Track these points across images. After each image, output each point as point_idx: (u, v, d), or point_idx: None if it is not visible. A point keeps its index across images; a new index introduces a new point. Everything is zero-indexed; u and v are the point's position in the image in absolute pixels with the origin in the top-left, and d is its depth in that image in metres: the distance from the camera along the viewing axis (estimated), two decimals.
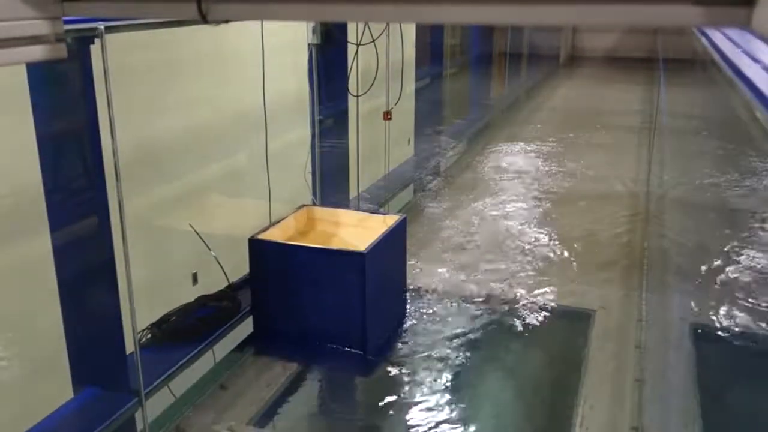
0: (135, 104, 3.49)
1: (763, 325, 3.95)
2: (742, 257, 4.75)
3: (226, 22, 1.14)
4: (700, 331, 4.08)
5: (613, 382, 4.13)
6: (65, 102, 3.22)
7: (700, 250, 4.89)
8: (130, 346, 3.51)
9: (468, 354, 4.45)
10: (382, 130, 6.06)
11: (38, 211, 3.08)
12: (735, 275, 4.56)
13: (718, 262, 4.83)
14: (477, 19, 1.44)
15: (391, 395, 4.01)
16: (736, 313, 4.19)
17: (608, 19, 1.33)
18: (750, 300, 4.24)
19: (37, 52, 1.18)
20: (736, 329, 4.06)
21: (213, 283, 4.31)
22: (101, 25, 2.90)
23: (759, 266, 4.63)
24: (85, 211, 3.36)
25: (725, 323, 4.16)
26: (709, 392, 3.21)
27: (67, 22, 1.38)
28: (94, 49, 2.99)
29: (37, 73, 2.95)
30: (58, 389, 3.31)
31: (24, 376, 3.12)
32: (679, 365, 3.91)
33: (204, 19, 1.08)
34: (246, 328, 4.48)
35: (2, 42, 1.14)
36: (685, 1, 1.37)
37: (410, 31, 7.19)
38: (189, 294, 4.14)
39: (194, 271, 4.18)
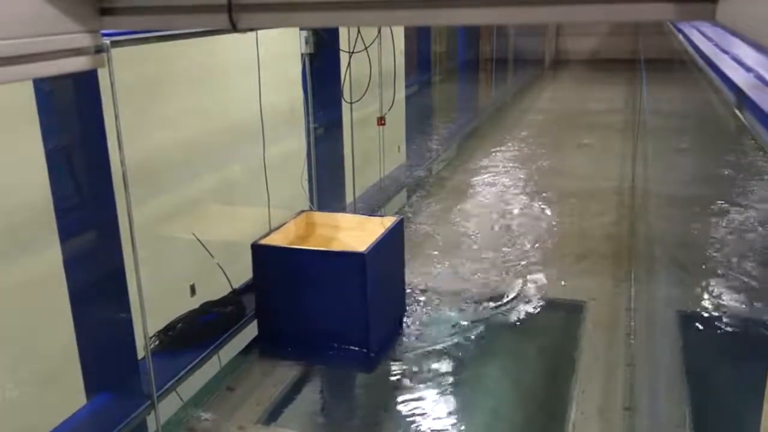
0: (136, 117, 3.60)
1: (741, 308, 4.14)
2: (723, 245, 4.94)
3: (252, 30, 1.28)
4: (684, 316, 4.26)
5: (605, 367, 4.28)
6: (72, 115, 3.34)
7: (683, 240, 5.08)
8: (139, 353, 3.61)
9: (466, 347, 4.58)
10: (374, 137, 6.19)
11: (48, 223, 3.18)
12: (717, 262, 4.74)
13: (702, 251, 5.03)
14: (469, 21, 1.59)
15: (395, 390, 4.13)
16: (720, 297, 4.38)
17: (586, 17, 1.48)
18: (730, 284, 4.42)
19: (80, 63, 1.32)
20: (719, 313, 4.25)
21: (215, 290, 4.39)
22: (107, 40, 3.02)
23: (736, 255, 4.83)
24: (93, 222, 3.47)
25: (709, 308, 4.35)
26: (694, 372, 3.40)
27: None
28: None
29: (44, 87, 3.07)
30: (72, 396, 3.40)
31: (39, 383, 3.21)
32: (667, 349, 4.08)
33: (234, 28, 1.22)
34: (251, 331, 4.59)
35: (50, 54, 1.28)
36: None
37: (399, 39, 7.35)
38: (188, 304, 4.20)
39: (192, 283, 4.21)
